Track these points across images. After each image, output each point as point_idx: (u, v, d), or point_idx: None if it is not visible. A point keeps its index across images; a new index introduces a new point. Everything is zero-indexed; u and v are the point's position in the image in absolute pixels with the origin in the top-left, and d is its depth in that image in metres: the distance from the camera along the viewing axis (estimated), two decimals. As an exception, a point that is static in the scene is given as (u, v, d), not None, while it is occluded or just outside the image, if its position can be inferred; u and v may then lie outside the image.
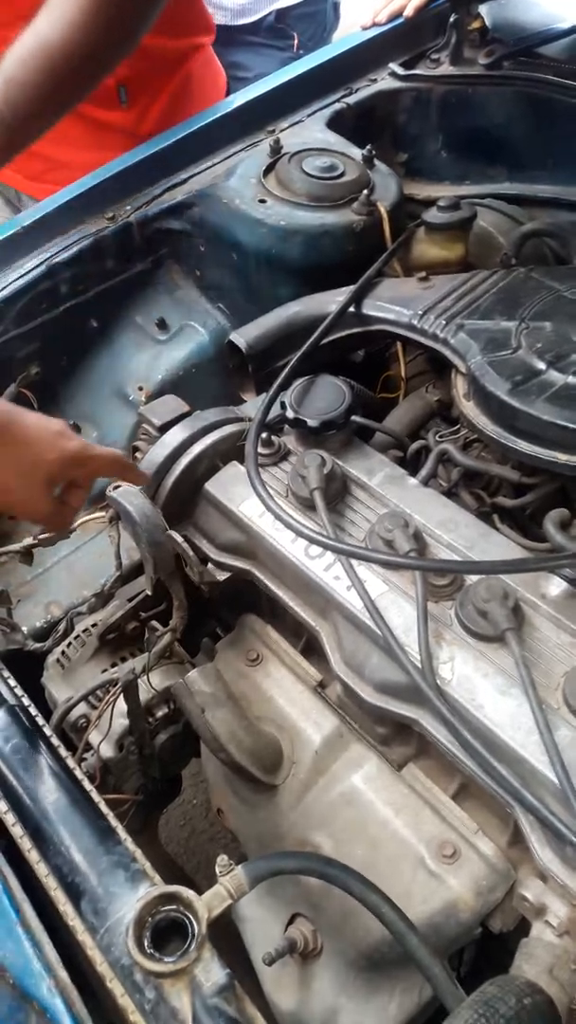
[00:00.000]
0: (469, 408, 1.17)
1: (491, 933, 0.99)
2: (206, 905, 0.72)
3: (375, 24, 1.88)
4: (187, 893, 0.71)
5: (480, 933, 0.99)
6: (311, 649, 1.20)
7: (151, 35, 1.33)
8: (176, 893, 0.72)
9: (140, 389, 1.53)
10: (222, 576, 1.19)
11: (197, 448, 1.21)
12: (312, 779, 1.08)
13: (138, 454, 1.31)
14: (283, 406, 1.21)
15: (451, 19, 1.81)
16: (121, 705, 1.13)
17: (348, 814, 1.04)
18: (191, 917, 0.71)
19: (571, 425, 1.02)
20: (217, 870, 0.75)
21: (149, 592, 1.15)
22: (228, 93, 1.85)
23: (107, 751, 1.15)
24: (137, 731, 1.16)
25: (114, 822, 0.83)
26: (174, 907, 0.72)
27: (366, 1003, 1.02)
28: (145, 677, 1.13)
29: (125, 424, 1.51)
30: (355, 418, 1.27)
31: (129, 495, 1.14)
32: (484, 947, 1.05)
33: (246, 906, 1.10)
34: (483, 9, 1.86)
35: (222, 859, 0.75)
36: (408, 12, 1.86)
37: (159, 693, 1.16)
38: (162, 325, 1.59)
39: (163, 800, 1.48)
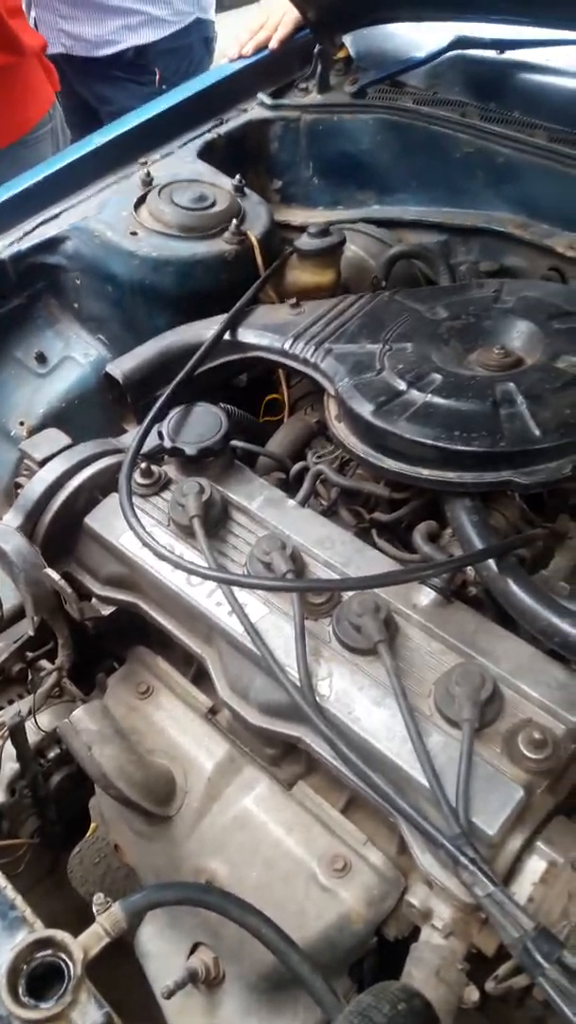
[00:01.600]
0: (340, 429, 1.20)
1: (388, 941, 1.01)
2: (81, 946, 0.71)
3: (241, 56, 1.92)
4: (61, 936, 0.71)
5: (376, 942, 1.01)
6: (202, 676, 1.20)
7: None
8: (50, 938, 0.71)
9: (21, 424, 1.52)
10: (107, 610, 1.19)
11: (74, 482, 1.20)
12: (206, 806, 1.09)
13: (20, 490, 1.30)
14: (160, 436, 1.22)
15: (316, 49, 1.87)
16: (10, 749, 1.11)
17: (242, 837, 1.05)
18: (67, 960, 0.71)
19: (429, 441, 1.06)
20: (94, 909, 0.75)
21: (31, 632, 1.14)
22: (99, 124, 1.86)
23: (-2, 796, 1.13)
24: (29, 774, 1.14)
25: (-8, 870, 0.82)
26: (50, 952, 0.71)
27: (271, 1024, 1.03)
28: (32, 719, 1.12)
29: (7, 460, 1.49)
30: (235, 443, 1.30)
31: (5, 534, 1.13)
32: (384, 956, 1.07)
33: (148, 941, 1.09)
34: (347, 39, 1.93)
35: (98, 897, 0.75)
36: (273, 44, 1.91)
37: (49, 734, 1.15)
38: (41, 359, 1.58)
39: (70, 840, 1.46)
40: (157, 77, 2.56)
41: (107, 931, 0.74)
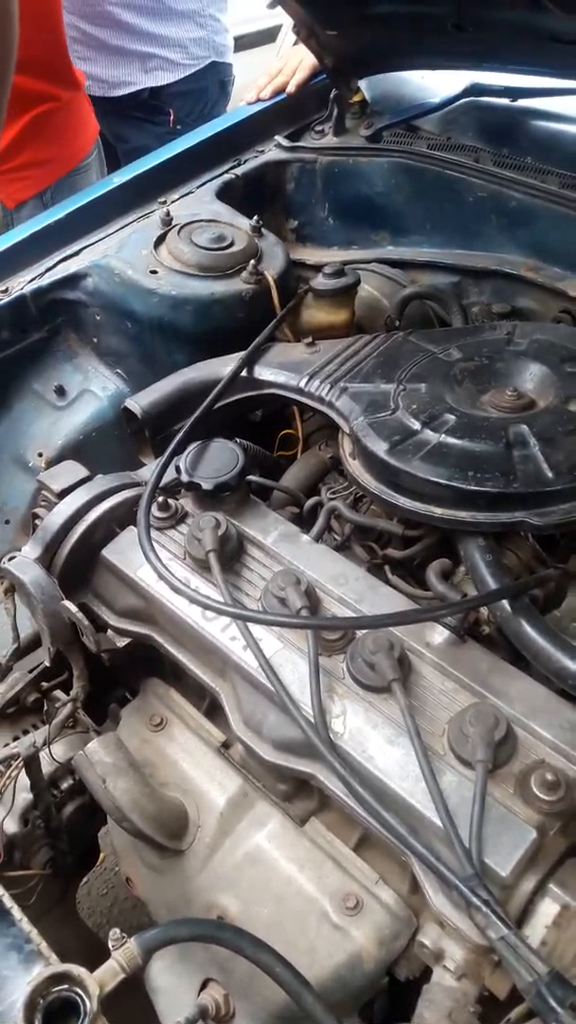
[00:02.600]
0: (355, 466, 1.22)
1: (399, 981, 1.01)
2: (98, 982, 0.72)
3: (259, 100, 1.97)
4: (78, 971, 0.71)
5: (387, 983, 1.00)
6: (215, 709, 1.21)
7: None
8: (67, 972, 0.72)
9: (40, 455, 1.54)
10: (122, 642, 1.20)
11: (93, 515, 1.22)
12: (218, 841, 1.09)
13: (38, 521, 1.31)
14: (178, 470, 1.24)
15: (332, 94, 1.92)
16: (24, 779, 1.12)
17: (253, 873, 1.05)
18: (83, 995, 0.71)
19: (443, 481, 1.08)
20: (110, 944, 0.75)
21: (47, 663, 1.15)
22: (118, 162, 1.92)
23: (11, 826, 1.13)
24: (42, 804, 1.15)
25: (8, 902, 0.82)
26: (66, 986, 0.72)
27: (280, 1064, 1.02)
28: (47, 749, 1.13)
29: (25, 491, 1.52)
30: (251, 477, 1.31)
31: (24, 565, 1.14)
32: (394, 997, 1.07)
33: (158, 976, 1.08)
34: (363, 84, 1.98)
35: (114, 933, 0.76)
36: (290, 89, 1.96)
37: (63, 765, 1.16)
38: (60, 391, 1.61)
39: (80, 869, 1.46)
40: (171, 118, 2.62)
41: (123, 967, 0.74)
